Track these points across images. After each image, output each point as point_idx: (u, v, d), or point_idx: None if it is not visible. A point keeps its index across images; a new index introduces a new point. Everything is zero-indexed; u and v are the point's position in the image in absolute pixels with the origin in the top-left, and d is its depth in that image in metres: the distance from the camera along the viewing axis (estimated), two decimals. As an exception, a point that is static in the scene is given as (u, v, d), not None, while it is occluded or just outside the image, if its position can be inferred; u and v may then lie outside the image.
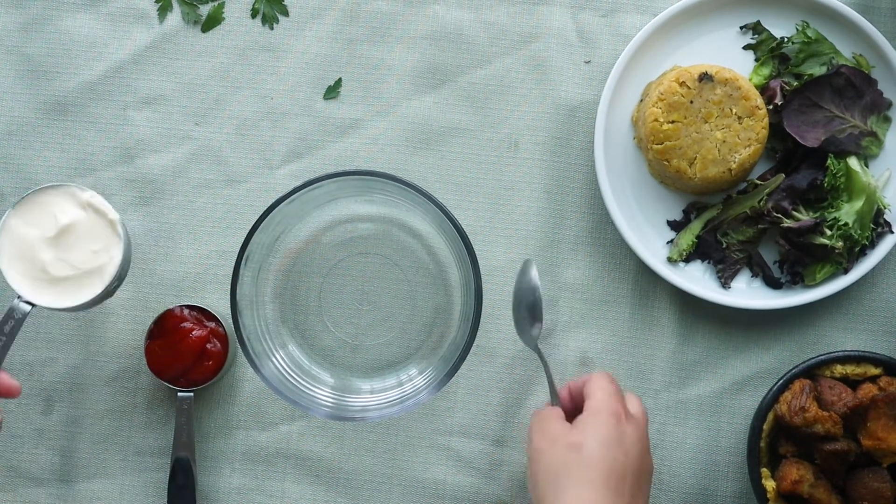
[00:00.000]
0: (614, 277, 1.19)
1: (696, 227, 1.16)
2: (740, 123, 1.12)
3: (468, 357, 1.11)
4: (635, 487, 1.03)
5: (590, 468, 1.01)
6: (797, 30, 1.16)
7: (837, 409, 1.09)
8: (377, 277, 1.18)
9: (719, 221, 1.16)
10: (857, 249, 1.15)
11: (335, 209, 1.16)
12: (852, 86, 1.14)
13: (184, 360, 1.13)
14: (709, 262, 1.17)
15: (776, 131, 1.15)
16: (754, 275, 1.17)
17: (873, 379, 1.12)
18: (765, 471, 1.11)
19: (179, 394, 1.14)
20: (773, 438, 1.12)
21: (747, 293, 1.16)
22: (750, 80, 1.16)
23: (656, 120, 1.12)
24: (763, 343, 1.19)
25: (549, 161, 1.19)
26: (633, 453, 1.04)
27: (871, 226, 1.14)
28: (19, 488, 1.18)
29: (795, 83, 1.15)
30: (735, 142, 1.12)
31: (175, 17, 1.20)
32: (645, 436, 1.06)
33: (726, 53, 1.17)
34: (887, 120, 1.16)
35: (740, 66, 1.16)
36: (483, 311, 1.12)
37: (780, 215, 1.14)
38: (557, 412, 1.07)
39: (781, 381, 1.12)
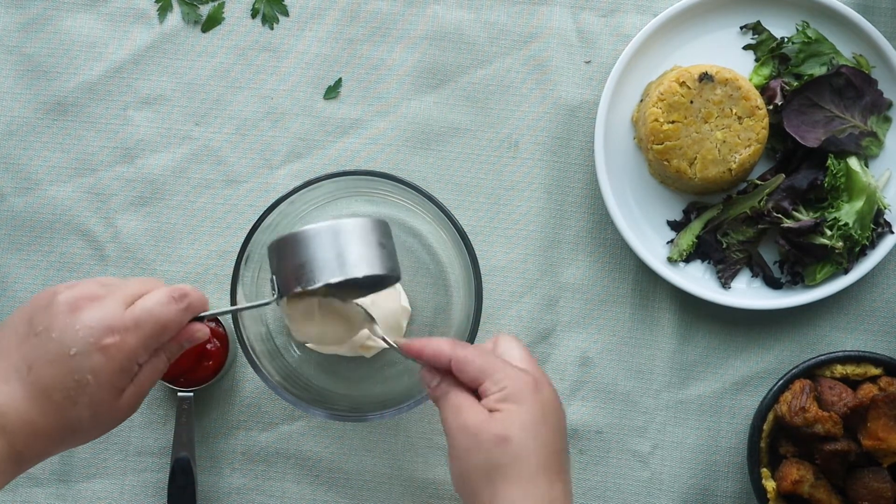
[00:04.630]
0: (614, 277, 1.19)
1: (696, 227, 1.16)
2: (740, 123, 1.12)
3: (468, 357, 1.11)
4: (565, 453, 0.94)
5: (523, 461, 0.90)
6: (797, 30, 1.16)
7: (838, 409, 1.09)
8: (377, 277, 1.18)
9: (719, 221, 1.16)
10: (857, 249, 1.15)
11: (335, 209, 1.16)
12: (852, 86, 1.14)
13: (183, 359, 1.13)
14: (709, 263, 1.17)
15: (776, 131, 1.15)
16: (754, 275, 1.17)
17: (873, 379, 1.12)
18: (765, 471, 1.11)
19: (179, 394, 1.14)
20: (774, 438, 1.12)
21: (747, 293, 1.16)
22: (750, 80, 1.16)
23: (656, 120, 1.12)
24: (763, 343, 1.19)
25: (550, 161, 1.19)
26: (554, 420, 0.93)
27: (872, 226, 1.14)
28: (19, 488, 1.17)
29: (795, 83, 1.15)
30: (735, 142, 1.12)
31: (175, 17, 1.20)
32: (555, 389, 0.95)
33: (726, 53, 1.17)
34: (887, 120, 1.16)
35: (740, 66, 1.16)
36: (483, 311, 1.12)
37: (780, 215, 1.14)
38: (467, 399, 0.92)
39: (782, 382, 1.12)
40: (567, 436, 0.95)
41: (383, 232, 0.97)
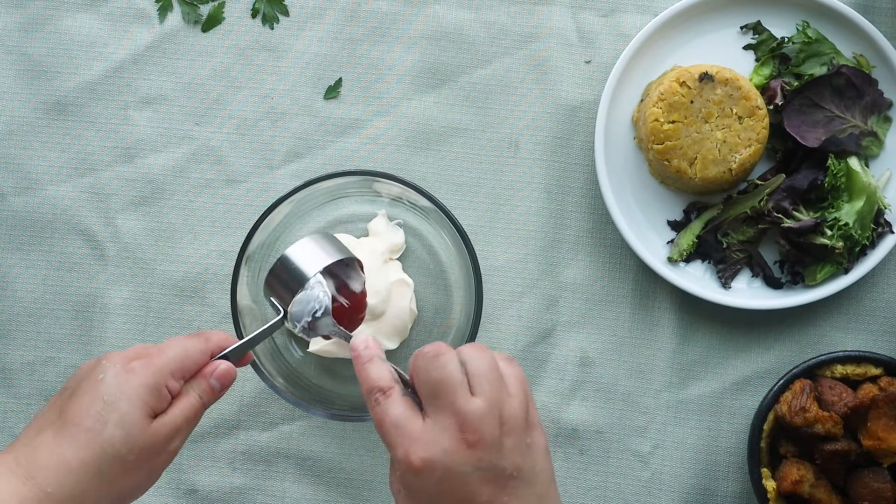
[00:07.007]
0: (614, 277, 1.19)
1: (696, 227, 1.16)
2: (741, 123, 1.12)
3: (468, 357, 1.11)
4: None
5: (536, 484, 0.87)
6: (797, 30, 1.16)
7: (838, 409, 1.09)
8: (377, 277, 1.18)
9: (720, 221, 1.16)
10: (857, 249, 1.15)
11: (335, 209, 1.16)
12: (853, 86, 1.14)
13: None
14: (709, 262, 1.17)
15: (777, 131, 1.15)
16: (755, 275, 1.17)
17: (874, 379, 1.12)
18: (765, 471, 1.11)
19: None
20: (774, 438, 1.12)
21: (748, 293, 1.16)
22: (750, 80, 1.16)
23: (657, 120, 1.12)
24: (763, 343, 1.19)
25: (550, 161, 1.19)
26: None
27: (872, 226, 1.14)
28: (19, 488, 1.17)
29: (796, 83, 1.15)
30: (735, 142, 1.12)
31: (175, 16, 1.20)
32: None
33: (727, 53, 1.17)
34: (888, 120, 1.16)
35: (741, 66, 1.16)
36: (483, 311, 1.12)
37: (780, 215, 1.14)
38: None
39: (782, 382, 1.12)
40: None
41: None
